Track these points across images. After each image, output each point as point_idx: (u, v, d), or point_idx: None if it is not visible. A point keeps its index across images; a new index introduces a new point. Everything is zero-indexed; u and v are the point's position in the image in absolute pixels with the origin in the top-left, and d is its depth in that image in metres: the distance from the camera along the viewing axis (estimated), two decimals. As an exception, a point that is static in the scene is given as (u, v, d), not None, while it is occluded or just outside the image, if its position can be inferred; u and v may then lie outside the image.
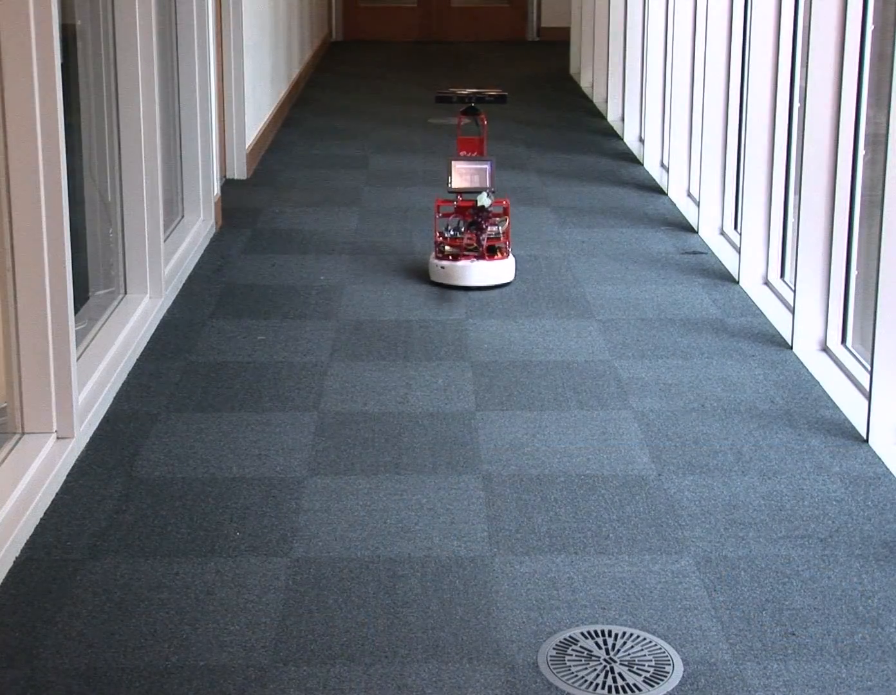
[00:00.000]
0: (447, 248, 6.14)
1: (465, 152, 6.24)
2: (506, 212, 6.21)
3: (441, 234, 6.16)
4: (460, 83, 9.64)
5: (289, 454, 4.37)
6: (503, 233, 6.15)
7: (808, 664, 3.24)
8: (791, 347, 5.30)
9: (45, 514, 3.95)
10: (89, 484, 4.15)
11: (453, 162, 6.11)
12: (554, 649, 3.30)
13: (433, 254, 6.19)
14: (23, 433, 4.28)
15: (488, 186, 6.09)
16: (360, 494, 4.09)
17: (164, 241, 5.89)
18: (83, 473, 4.22)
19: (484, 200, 6.05)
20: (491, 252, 6.11)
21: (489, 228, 6.08)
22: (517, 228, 7.06)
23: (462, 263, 6.05)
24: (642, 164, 8.51)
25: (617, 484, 4.17)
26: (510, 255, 6.19)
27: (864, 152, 5.03)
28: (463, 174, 6.08)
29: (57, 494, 4.08)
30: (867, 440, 4.45)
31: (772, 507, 4.02)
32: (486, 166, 6.10)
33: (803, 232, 5.21)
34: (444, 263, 6.07)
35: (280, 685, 3.15)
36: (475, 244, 6.06)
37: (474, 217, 6.05)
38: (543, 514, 3.98)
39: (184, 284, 6.08)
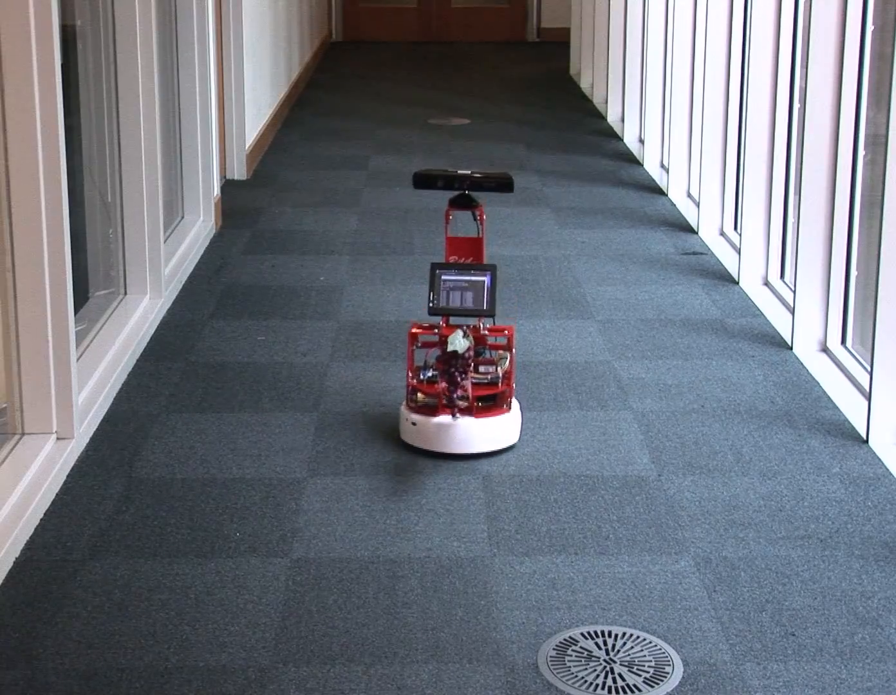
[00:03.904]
0: (420, 395, 4.43)
1: (455, 258, 4.52)
2: (509, 344, 4.45)
3: (415, 373, 4.44)
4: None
5: (289, 455, 4.37)
6: (504, 376, 4.42)
7: (808, 665, 3.24)
8: (791, 348, 5.30)
9: (45, 514, 3.95)
10: (89, 484, 4.15)
11: (439, 271, 4.39)
12: (554, 649, 3.30)
13: (404, 402, 4.49)
14: (23, 434, 4.28)
15: (485, 306, 4.36)
16: (360, 495, 4.09)
17: (164, 241, 5.89)
18: (83, 474, 4.22)
19: (458, 344, 4.24)
20: (486, 402, 4.41)
21: (467, 380, 4.28)
22: (517, 228, 7.05)
23: (440, 419, 4.32)
24: (642, 165, 8.51)
25: (617, 485, 4.17)
26: (513, 407, 4.45)
27: (864, 153, 5.03)
28: (451, 289, 4.37)
29: (57, 494, 4.08)
30: (867, 441, 4.45)
31: (772, 507, 4.02)
32: (485, 279, 4.38)
33: (803, 232, 5.21)
34: (416, 416, 4.37)
35: (280, 685, 3.15)
36: (447, 401, 4.29)
37: (445, 367, 4.28)
38: (543, 514, 3.98)
39: (184, 285, 6.08)
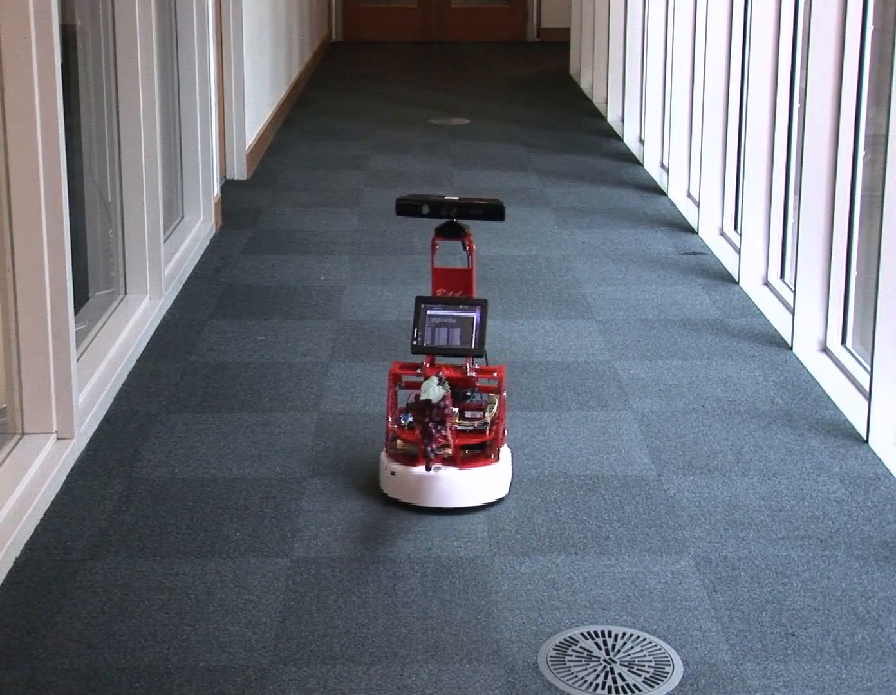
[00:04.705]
0: (399, 442, 4.07)
1: (443, 291, 4.18)
2: (499, 386, 4.09)
3: (396, 418, 4.07)
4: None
5: (289, 455, 4.37)
6: (492, 423, 4.04)
7: (808, 665, 3.24)
8: (791, 348, 5.29)
9: (45, 514, 3.95)
10: (89, 484, 4.15)
11: (424, 306, 4.05)
12: (554, 649, 3.30)
13: (384, 449, 4.12)
14: (23, 434, 4.27)
15: (473, 345, 4.00)
16: (360, 495, 4.09)
17: (164, 241, 5.89)
18: (83, 474, 4.22)
19: (433, 392, 3.85)
20: (472, 451, 4.03)
21: (445, 430, 3.80)
22: (517, 228, 7.05)
23: (421, 469, 3.94)
24: (642, 165, 8.51)
25: (617, 485, 4.17)
26: (502, 457, 4.07)
27: (864, 153, 5.03)
28: (437, 326, 4.03)
29: (57, 494, 4.08)
30: (867, 441, 4.45)
31: (772, 507, 4.02)
32: (474, 315, 4.02)
33: (803, 232, 5.21)
34: (396, 466, 4.01)
35: (280, 685, 3.15)
36: (426, 448, 3.80)
37: (419, 417, 3.81)
38: (543, 514, 3.98)
39: (184, 285, 6.08)
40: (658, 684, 3.18)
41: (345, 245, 6.76)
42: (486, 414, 4.05)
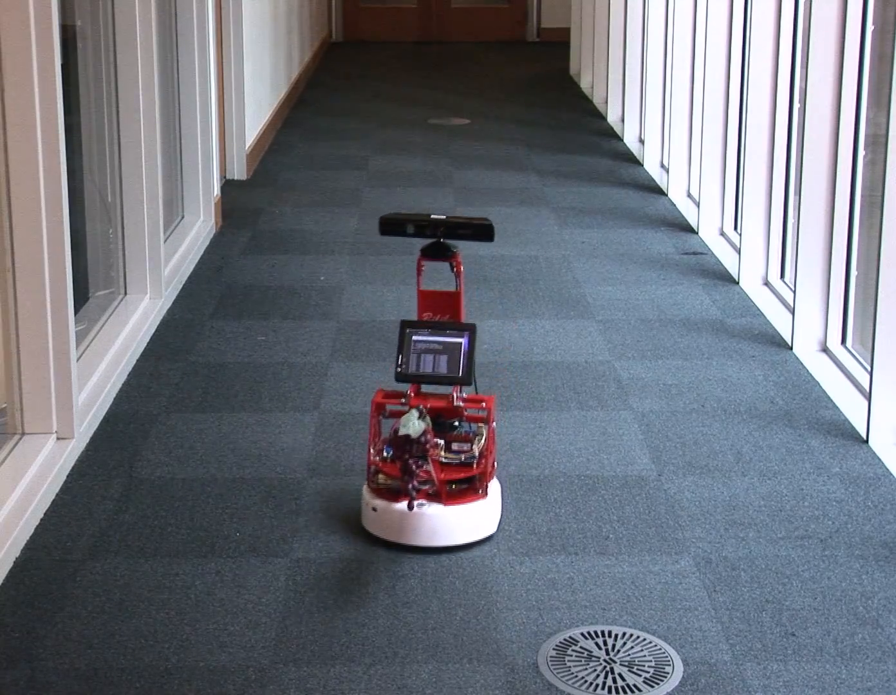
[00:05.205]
0: (382, 477, 3.85)
1: (429, 315, 3.93)
2: (488, 417, 3.85)
3: (378, 449, 3.84)
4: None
5: (289, 455, 4.37)
6: (480, 455, 3.81)
7: (808, 665, 3.24)
8: (791, 348, 5.29)
9: (45, 514, 3.95)
10: (89, 484, 4.15)
11: (409, 331, 3.83)
12: (554, 649, 3.30)
13: (366, 483, 3.91)
14: (23, 434, 4.28)
15: (461, 373, 3.76)
16: (359, 495, 4.08)
17: (164, 241, 5.89)
18: (83, 474, 4.22)
19: (413, 427, 3.60)
20: (460, 485, 3.80)
21: (428, 464, 3.63)
22: (517, 228, 7.05)
23: (402, 505, 3.71)
24: (642, 165, 8.51)
25: (617, 485, 4.17)
26: (491, 492, 3.85)
27: (864, 153, 5.03)
28: (423, 352, 3.80)
29: (57, 494, 4.08)
30: (867, 441, 4.45)
31: (772, 507, 4.02)
32: (462, 341, 3.78)
33: (803, 232, 5.21)
34: (378, 502, 3.79)
35: (280, 685, 3.15)
36: (407, 485, 3.62)
37: (399, 452, 3.63)
38: (543, 514, 3.98)
39: (184, 285, 6.08)
40: (658, 684, 3.18)
41: (345, 245, 6.76)
42: (474, 446, 3.81)
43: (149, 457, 4.35)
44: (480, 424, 3.87)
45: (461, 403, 3.84)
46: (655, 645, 3.32)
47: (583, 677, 3.20)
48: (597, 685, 3.18)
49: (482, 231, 3.89)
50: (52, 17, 4.11)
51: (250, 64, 8.30)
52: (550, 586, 3.58)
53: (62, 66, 4.25)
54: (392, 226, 3.94)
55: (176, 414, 4.68)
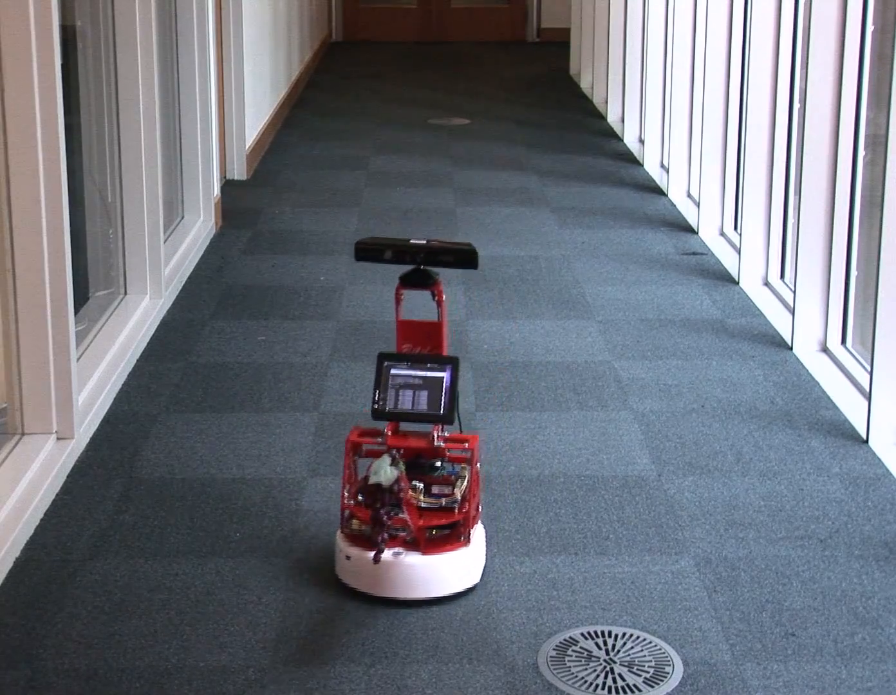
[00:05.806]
0: (355, 523, 3.56)
1: (409, 347, 3.67)
2: (472, 458, 3.56)
3: (353, 494, 3.55)
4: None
5: (289, 455, 4.37)
6: (463, 499, 3.52)
7: (808, 665, 3.24)
8: (791, 348, 5.29)
9: (45, 514, 3.95)
10: (89, 484, 4.15)
11: (387, 364, 3.55)
12: (554, 649, 3.30)
13: (339, 529, 3.62)
14: (23, 434, 4.27)
15: (442, 411, 3.47)
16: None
17: (164, 241, 5.89)
18: (83, 474, 4.22)
19: (385, 474, 3.28)
20: (441, 531, 3.53)
21: (401, 512, 3.34)
22: (517, 228, 7.04)
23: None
24: (642, 165, 8.51)
25: (617, 485, 4.17)
26: (474, 539, 3.56)
27: (863, 153, 5.03)
28: (401, 387, 3.51)
29: (57, 494, 4.07)
30: (867, 441, 4.45)
31: (772, 507, 4.02)
32: (444, 376, 3.50)
33: (803, 233, 5.21)
34: (352, 550, 3.50)
35: (280, 686, 3.15)
36: (376, 538, 3.30)
37: (370, 501, 3.31)
38: (543, 514, 3.98)
39: (184, 285, 6.08)
40: (658, 684, 3.18)
41: (345, 245, 6.76)
42: (456, 489, 3.51)
43: (149, 457, 4.35)
44: (464, 465, 3.56)
45: (442, 443, 3.55)
46: (655, 645, 3.32)
47: (583, 678, 3.20)
48: (597, 685, 3.18)
49: (465, 258, 3.62)
50: (52, 17, 4.11)
51: (250, 64, 8.30)
52: (550, 586, 3.58)
53: (62, 66, 4.25)
54: (368, 252, 3.68)
55: (176, 414, 4.68)
